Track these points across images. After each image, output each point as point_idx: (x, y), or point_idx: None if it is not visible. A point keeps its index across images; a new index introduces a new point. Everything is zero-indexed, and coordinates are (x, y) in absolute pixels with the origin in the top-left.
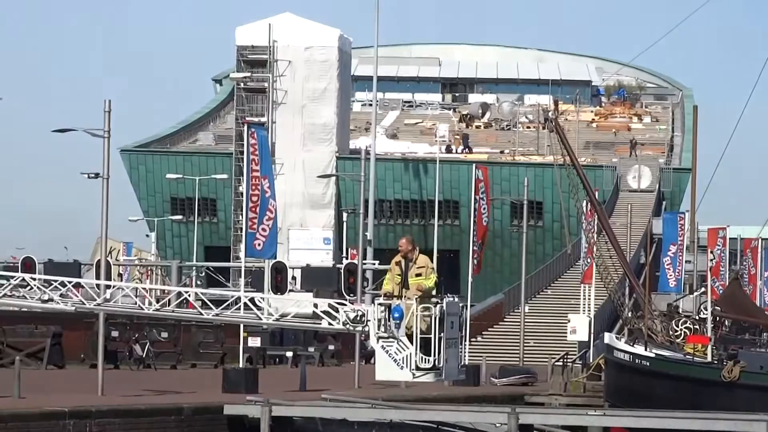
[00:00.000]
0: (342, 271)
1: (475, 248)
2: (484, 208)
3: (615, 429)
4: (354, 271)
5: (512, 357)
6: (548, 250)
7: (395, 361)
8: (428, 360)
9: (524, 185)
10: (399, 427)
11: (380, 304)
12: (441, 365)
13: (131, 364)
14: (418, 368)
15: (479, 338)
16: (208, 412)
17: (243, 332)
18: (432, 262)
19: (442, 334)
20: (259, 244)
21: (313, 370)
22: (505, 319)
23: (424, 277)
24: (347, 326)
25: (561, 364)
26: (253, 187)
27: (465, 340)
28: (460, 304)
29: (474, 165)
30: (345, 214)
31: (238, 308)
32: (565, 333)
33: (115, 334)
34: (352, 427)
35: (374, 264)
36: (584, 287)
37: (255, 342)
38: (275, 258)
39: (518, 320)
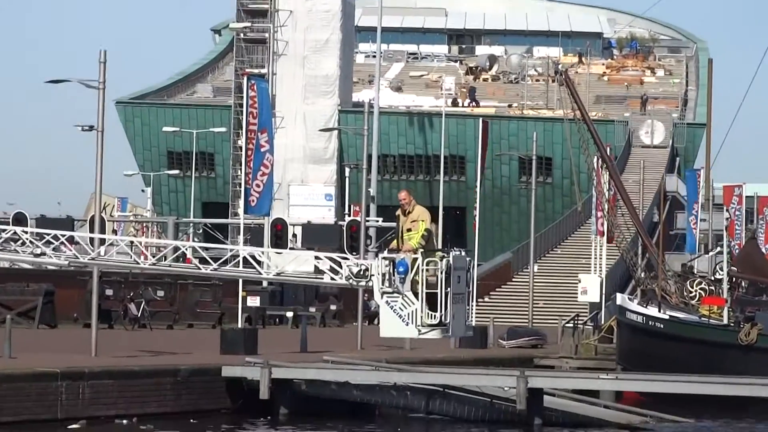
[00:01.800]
0: (344, 228)
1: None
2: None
3: (628, 393)
4: (357, 229)
5: (521, 318)
6: (558, 207)
7: (400, 317)
8: (434, 316)
9: (533, 140)
10: (403, 390)
11: (384, 258)
12: (447, 321)
13: (126, 324)
14: (424, 324)
15: (486, 299)
16: (206, 374)
17: (242, 291)
18: (428, 214)
19: (448, 289)
20: (253, 201)
21: (314, 331)
22: (514, 280)
23: (414, 231)
24: (350, 281)
25: (571, 326)
26: (249, 141)
27: (473, 297)
28: (467, 258)
29: (480, 119)
30: (347, 170)
31: (237, 264)
32: (576, 294)
33: (109, 292)
34: (354, 389)
35: (377, 221)
36: (595, 246)
37: (254, 302)
38: (269, 215)
39: (527, 280)
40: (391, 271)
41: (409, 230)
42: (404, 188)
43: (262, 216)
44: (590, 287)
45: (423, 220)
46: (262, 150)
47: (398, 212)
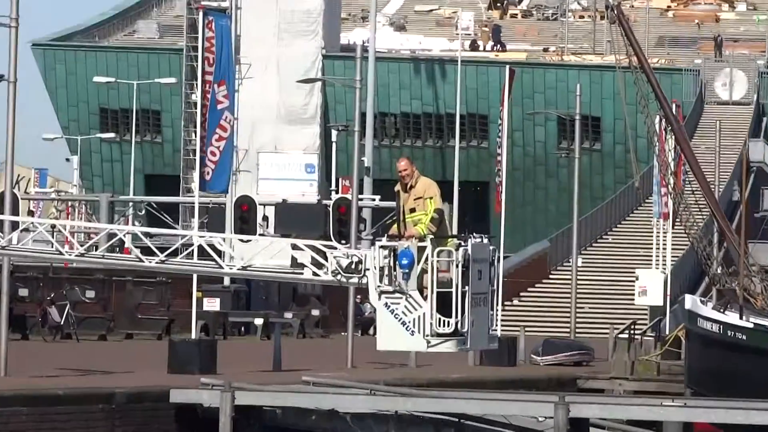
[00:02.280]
0: (330, 209)
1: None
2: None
3: (700, 425)
4: (346, 210)
5: (560, 327)
6: (608, 181)
7: (404, 324)
8: (448, 323)
9: (576, 95)
10: (407, 421)
11: (383, 246)
12: (465, 330)
13: (45, 334)
14: (434, 334)
15: (516, 301)
16: (149, 399)
17: (196, 291)
18: (437, 188)
19: (466, 288)
20: (207, 173)
21: (291, 343)
22: (551, 276)
23: (421, 212)
24: (338, 277)
25: (626, 336)
26: (205, 96)
27: (498, 298)
28: (491, 247)
29: (507, 67)
30: (334, 133)
31: (191, 255)
32: (632, 295)
33: (23, 292)
34: (343, 420)
35: (374, 200)
36: (657, 233)
37: (213, 305)
38: (226, 191)
39: (568, 277)
40: (392, 264)
41: (412, 210)
42: (405, 156)
43: (220, 193)
44: (651, 286)
45: (431, 197)
46: (220, 107)
47: (397, 187)
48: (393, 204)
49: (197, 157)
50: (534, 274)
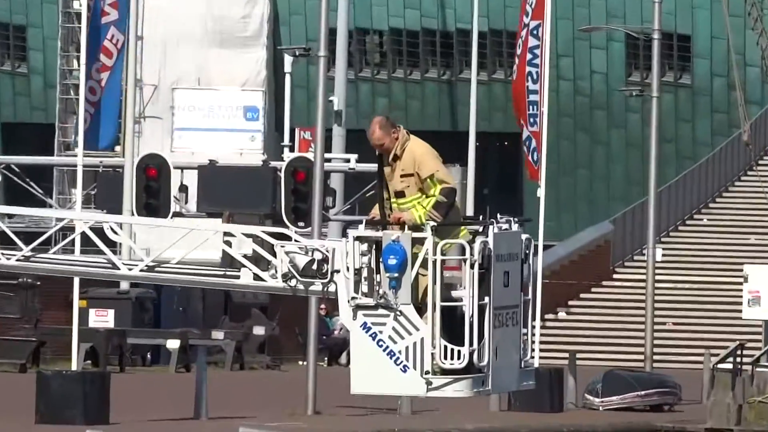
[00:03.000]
0: (282, 175)
1: (531, 130)
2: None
3: None
4: (306, 177)
5: (629, 352)
6: (702, 133)
7: (391, 355)
8: (459, 353)
9: (654, 1)
10: None
11: (359, 238)
12: (484, 363)
13: None
14: (438, 370)
15: (562, 315)
16: None
17: (78, 299)
18: (434, 155)
19: (485, 299)
20: (85, 120)
21: (223, 377)
22: (615, 277)
23: (415, 198)
24: (292, 282)
25: (730, 367)
26: (90, 6)
27: (535, 312)
28: (524, 236)
29: None
30: (289, 60)
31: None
32: (738, 304)
33: None
34: None
35: (348, 162)
36: None
37: (103, 319)
38: (112, 148)
39: (641, 277)
40: (374, 264)
41: (400, 195)
42: (377, 117)
43: (105, 150)
44: (766, 290)
45: (430, 175)
46: (105, 21)
47: (390, 159)
48: (376, 168)
49: (80, 98)
50: (589, 274)
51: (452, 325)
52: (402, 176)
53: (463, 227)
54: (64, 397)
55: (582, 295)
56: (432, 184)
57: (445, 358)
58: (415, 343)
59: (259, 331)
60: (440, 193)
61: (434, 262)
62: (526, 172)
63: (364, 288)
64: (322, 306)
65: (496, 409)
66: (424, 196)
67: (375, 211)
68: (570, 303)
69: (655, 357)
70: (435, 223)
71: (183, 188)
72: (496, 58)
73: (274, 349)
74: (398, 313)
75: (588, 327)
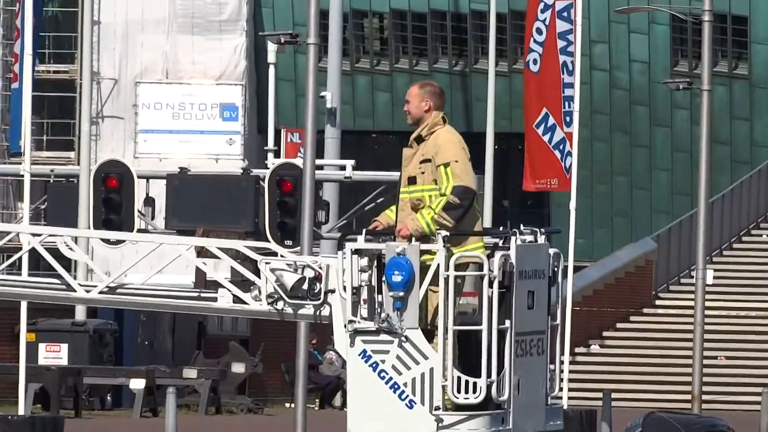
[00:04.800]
0: (266, 184)
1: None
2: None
3: None
4: (294, 187)
5: (674, 391)
6: (761, 134)
7: (395, 388)
8: (475, 386)
9: None
10: None
11: (358, 251)
12: (504, 398)
13: None
14: (451, 406)
15: (596, 347)
16: None
17: (25, 330)
18: (460, 147)
19: (506, 323)
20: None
21: (196, 423)
22: (658, 303)
23: (427, 187)
24: (278, 305)
25: None
26: None
27: (563, 341)
28: (552, 251)
29: None
30: (273, 48)
31: (17, 266)
32: None
33: None
34: None
35: (343, 169)
36: None
37: (55, 355)
38: (20, 152)
39: (689, 303)
40: (375, 281)
41: (412, 181)
42: (419, 82)
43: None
44: None
45: (445, 163)
46: None
47: (413, 135)
48: (378, 177)
49: (24, 94)
50: (628, 300)
51: (467, 353)
52: (421, 161)
53: (479, 241)
54: None
55: (619, 325)
56: (444, 174)
57: (459, 391)
58: (423, 374)
59: (238, 368)
60: (452, 192)
61: (446, 279)
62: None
63: (364, 311)
64: (314, 340)
65: None
66: (430, 186)
67: (386, 217)
68: (605, 334)
69: (705, 397)
70: (447, 233)
71: (149, 201)
72: (517, 46)
73: (257, 389)
74: (404, 339)
75: (625, 362)
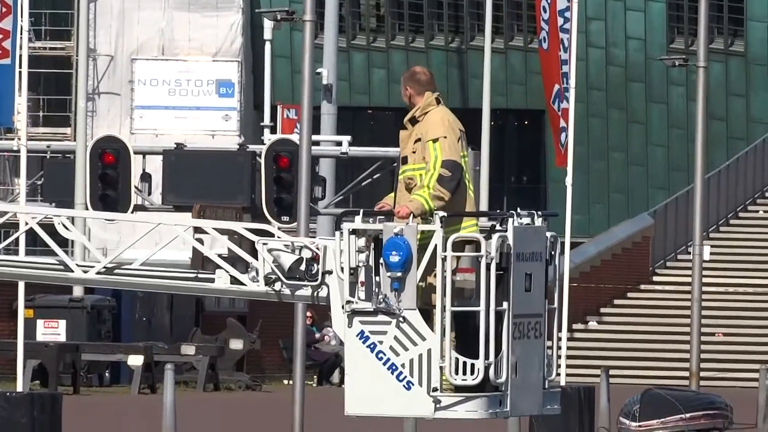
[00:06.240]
0: (262, 160)
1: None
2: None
3: None
4: (290, 163)
5: (671, 368)
6: (757, 110)
7: (393, 369)
8: (473, 367)
9: None
10: None
11: (355, 231)
12: (502, 380)
13: None
14: (447, 387)
15: (593, 324)
16: None
17: (23, 307)
18: (449, 124)
19: (504, 304)
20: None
21: (194, 399)
22: (656, 279)
23: (419, 166)
24: (276, 286)
25: None
26: None
27: (561, 322)
28: (549, 234)
29: None
30: (269, 26)
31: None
32: None
33: None
34: None
35: (339, 145)
36: None
37: (53, 331)
38: (11, 127)
39: (686, 280)
40: (372, 262)
41: (404, 159)
42: (421, 65)
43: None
44: None
45: (433, 139)
46: None
47: (408, 117)
48: (374, 152)
49: (23, 67)
50: (625, 277)
51: (465, 335)
52: (414, 142)
53: (472, 220)
54: (7, 423)
55: (616, 302)
56: (433, 149)
57: (457, 372)
58: (420, 356)
59: (236, 345)
60: (443, 165)
61: (444, 259)
62: (552, 157)
63: (361, 292)
64: (311, 316)
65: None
66: (420, 165)
67: (388, 200)
68: (602, 310)
69: (703, 373)
70: (444, 213)
71: (145, 177)
72: (514, 23)
73: (255, 365)
74: (401, 319)
75: (623, 338)
